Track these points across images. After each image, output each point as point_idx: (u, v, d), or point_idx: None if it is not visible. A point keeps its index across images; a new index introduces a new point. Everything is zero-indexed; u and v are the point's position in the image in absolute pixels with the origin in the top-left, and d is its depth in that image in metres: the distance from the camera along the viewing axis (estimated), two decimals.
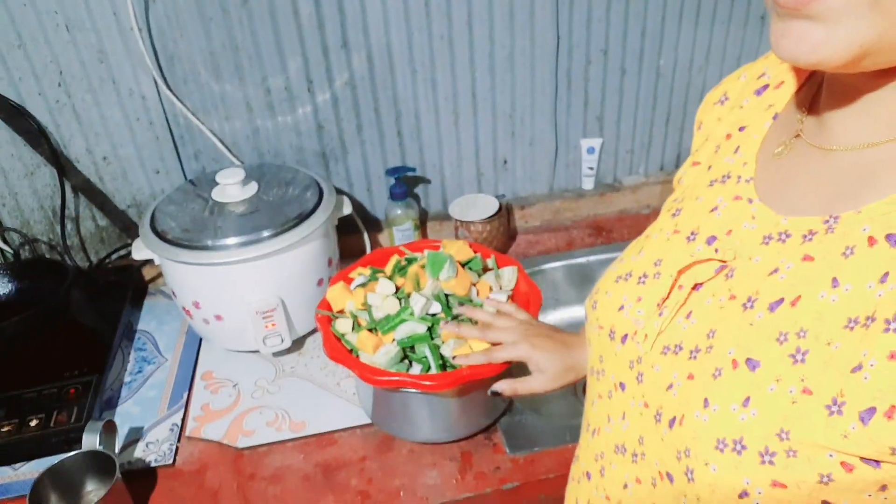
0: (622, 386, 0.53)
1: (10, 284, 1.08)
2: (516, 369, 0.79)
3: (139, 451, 0.91)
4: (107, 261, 1.21)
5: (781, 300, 0.42)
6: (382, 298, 0.86)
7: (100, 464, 0.81)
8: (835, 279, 0.40)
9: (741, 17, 1.22)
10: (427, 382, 0.77)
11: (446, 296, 0.86)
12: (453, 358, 0.78)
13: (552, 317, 1.22)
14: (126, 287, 1.17)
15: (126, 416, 0.97)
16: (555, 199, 1.32)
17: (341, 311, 0.89)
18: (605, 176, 1.35)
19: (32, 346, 0.99)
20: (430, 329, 0.82)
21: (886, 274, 0.37)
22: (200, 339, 1.10)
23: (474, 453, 0.88)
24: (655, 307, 0.50)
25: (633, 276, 0.54)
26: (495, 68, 1.18)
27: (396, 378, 0.77)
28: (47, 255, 1.19)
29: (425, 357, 0.80)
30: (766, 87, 0.54)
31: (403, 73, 1.16)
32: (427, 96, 1.19)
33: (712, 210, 0.51)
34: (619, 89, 1.26)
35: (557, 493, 0.73)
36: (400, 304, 0.85)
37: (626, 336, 0.52)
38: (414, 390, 0.79)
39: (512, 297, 0.89)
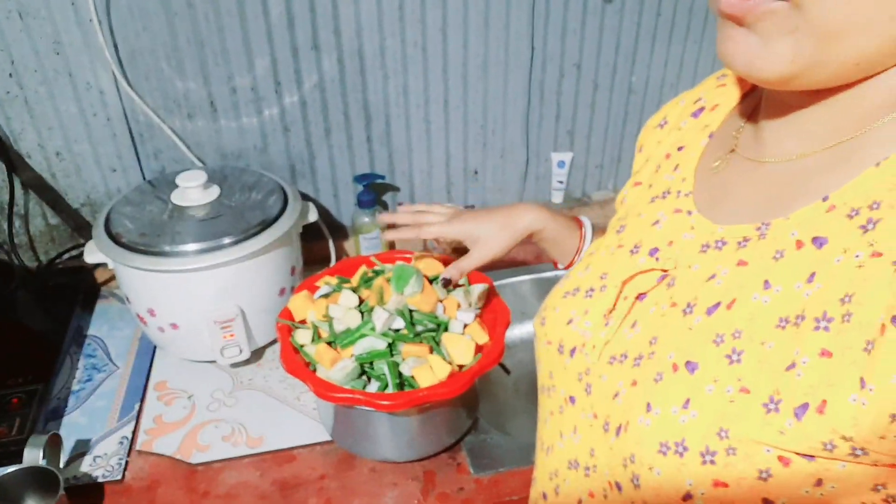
0: (572, 400, 0.53)
1: None
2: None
3: (86, 466, 0.86)
4: (57, 261, 1.16)
5: (718, 304, 0.43)
6: (344, 311, 0.83)
7: (42, 480, 0.77)
8: (766, 281, 0.41)
9: (713, 36, 1.23)
10: (383, 402, 0.75)
11: (411, 311, 0.84)
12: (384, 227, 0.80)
13: (517, 330, 1.21)
14: (77, 290, 1.12)
15: (73, 427, 0.92)
16: None
17: (303, 322, 0.86)
18: (575, 190, 1.35)
19: None
20: (390, 345, 0.80)
21: (813, 274, 0.39)
22: (155, 348, 1.05)
23: (437, 473, 0.86)
24: (602, 318, 0.51)
25: (581, 290, 0.55)
26: (468, 77, 1.17)
27: (351, 395, 0.75)
28: None
29: (384, 374, 0.78)
30: (702, 109, 0.57)
31: (375, 78, 1.13)
32: (398, 102, 1.16)
33: (654, 224, 0.53)
34: (591, 104, 1.25)
35: None
36: (362, 317, 0.83)
37: (574, 349, 0.53)
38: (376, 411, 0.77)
39: (480, 316, 0.88)
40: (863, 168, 0.40)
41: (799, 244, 0.41)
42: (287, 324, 0.86)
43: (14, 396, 0.89)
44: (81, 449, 0.89)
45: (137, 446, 0.90)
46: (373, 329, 0.81)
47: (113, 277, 1.18)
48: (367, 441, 0.85)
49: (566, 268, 0.80)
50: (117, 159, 1.12)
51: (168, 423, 0.93)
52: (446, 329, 0.84)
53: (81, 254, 0.97)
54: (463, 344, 0.82)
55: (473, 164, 1.26)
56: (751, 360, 0.40)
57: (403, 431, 0.84)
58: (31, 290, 1.10)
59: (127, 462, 0.88)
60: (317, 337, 0.84)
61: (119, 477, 0.85)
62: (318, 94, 1.13)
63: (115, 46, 1.02)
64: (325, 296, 0.88)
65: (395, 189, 1.26)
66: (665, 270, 0.49)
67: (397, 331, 0.82)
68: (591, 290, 0.54)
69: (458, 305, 0.88)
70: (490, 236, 0.79)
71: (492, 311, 0.89)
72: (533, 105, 1.22)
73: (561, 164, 1.29)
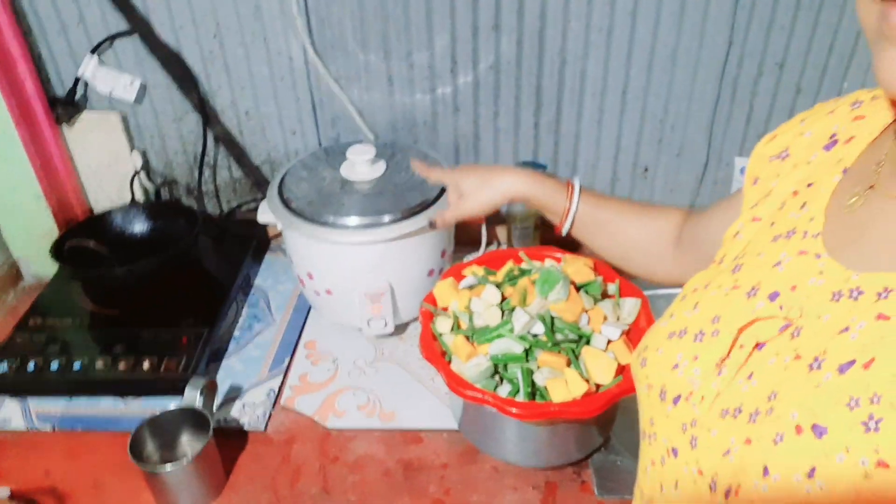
0: (674, 452, 0.49)
1: (145, 223, 1.14)
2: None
3: (235, 411, 0.94)
4: (236, 212, 1.25)
5: (853, 361, 0.39)
6: (486, 306, 0.82)
7: (196, 420, 0.84)
8: None
9: None
10: (512, 409, 0.73)
11: (552, 318, 0.81)
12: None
13: None
14: (250, 240, 1.20)
15: (229, 371, 1.00)
16: None
17: (445, 309, 0.87)
18: None
19: (158, 287, 1.04)
20: (527, 351, 0.78)
21: None
22: (310, 307, 1.11)
23: (560, 486, 0.84)
24: (714, 367, 0.47)
25: (689, 332, 0.51)
26: (654, 67, 1.09)
27: (481, 395, 0.74)
28: (184, 198, 1.25)
29: (516, 379, 0.76)
30: (835, 142, 0.52)
31: (552, 62, 1.09)
32: (573, 89, 1.11)
33: (775, 265, 0.49)
34: (790, 108, 1.12)
35: None
36: (502, 316, 0.81)
37: (678, 397, 0.49)
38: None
39: (627, 333, 0.83)
40: None
41: None
42: (430, 309, 0.87)
43: (184, 335, 0.98)
44: (233, 394, 0.96)
45: (282, 401, 0.96)
46: (511, 330, 0.79)
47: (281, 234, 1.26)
48: (492, 439, 0.85)
49: (557, 230, 0.81)
50: (298, 123, 1.18)
51: (312, 384, 0.98)
52: (588, 342, 0.81)
53: (257, 208, 1.04)
54: (604, 361, 0.77)
55: (645, 160, 1.19)
56: (891, 430, 0.35)
57: (530, 438, 0.82)
58: (211, 235, 1.20)
59: (271, 414, 0.94)
60: (456, 327, 0.84)
61: (262, 428, 0.92)
62: (493, 76, 1.11)
63: (308, 16, 1.07)
64: (470, 287, 0.87)
65: None
66: (789, 319, 0.44)
67: (536, 336, 0.80)
68: (702, 333, 0.50)
69: (605, 318, 0.83)
70: (472, 191, 0.84)
71: (641, 329, 0.83)
72: (722, 103, 1.12)
73: (744, 170, 1.17)
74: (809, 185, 0.52)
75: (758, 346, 0.46)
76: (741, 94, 1.11)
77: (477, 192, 0.83)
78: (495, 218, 1.23)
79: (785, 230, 0.51)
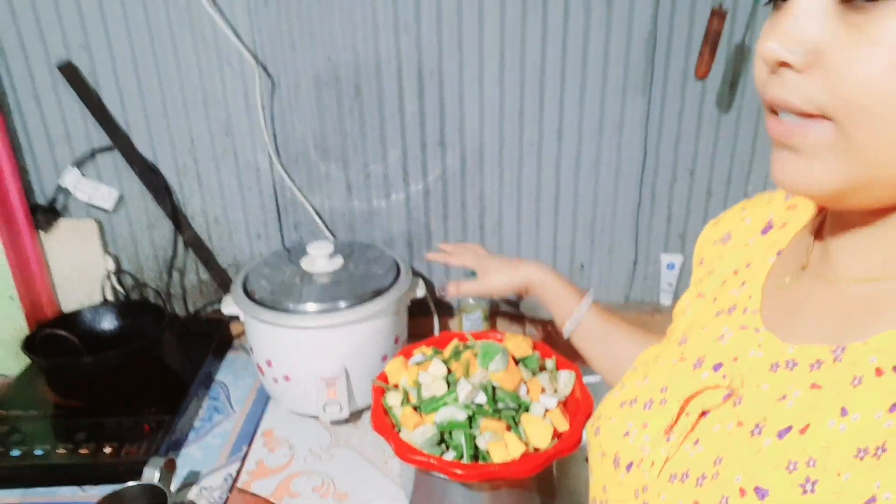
0: None
1: (115, 321, 1.20)
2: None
3: (192, 494, 0.96)
4: (201, 312, 1.32)
5: (790, 427, 0.42)
6: (432, 379, 0.89)
7: (155, 498, 0.87)
8: (843, 408, 0.40)
9: None
10: (456, 470, 0.78)
11: (494, 388, 0.88)
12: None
13: None
14: (213, 338, 1.26)
15: (188, 458, 1.03)
16: (630, 310, 1.33)
17: (396, 385, 0.93)
18: None
19: (122, 379, 1.08)
20: (470, 418, 0.84)
21: (895, 405, 0.38)
22: (268, 399, 1.16)
23: None
24: (662, 433, 0.50)
25: (639, 401, 0.54)
26: (580, 175, 1.23)
27: (426, 459, 0.80)
28: (152, 300, 1.31)
29: (460, 444, 0.82)
30: (770, 227, 0.58)
31: (492, 173, 1.23)
32: (512, 195, 1.25)
33: (719, 338, 0.52)
34: (704, 209, 1.27)
35: None
36: (448, 387, 0.88)
37: (630, 464, 0.52)
38: (448, 478, 0.81)
39: (564, 403, 0.90)
40: None
41: (879, 371, 0.40)
42: (381, 385, 0.93)
43: (146, 423, 1.02)
44: (192, 479, 0.99)
45: (239, 484, 0.99)
46: (456, 399, 0.86)
47: (243, 332, 1.32)
48: None
49: (561, 329, 0.87)
50: (263, 227, 1.28)
51: (268, 468, 1.02)
52: (527, 410, 0.87)
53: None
54: (541, 427, 0.84)
55: (580, 258, 1.31)
56: (826, 492, 0.38)
57: None
58: (177, 333, 1.25)
59: (228, 497, 0.96)
60: (406, 401, 0.90)
61: None
62: (441, 185, 1.24)
63: (274, 132, 1.20)
64: (419, 363, 0.95)
65: None
66: (731, 388, 0.48)
67: (479, 405, 0.87)
68: (651, 401, 0.53)
69: (543, 390, 0.91)
70: (493, 270, 0.94)
71: (575, 400, 0.91)
72: (644, 206, 1.26)
73: (671, 265, 1.30)
74: (748, 265, 0.56)
75: (703, 413, 0.48)
76: (659, 198, 1.26)
77: (499, 272, 0.93)
78: (447, 311, 1.32)
79: (727, 306, 0.55)
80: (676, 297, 1.34)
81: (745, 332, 0.51)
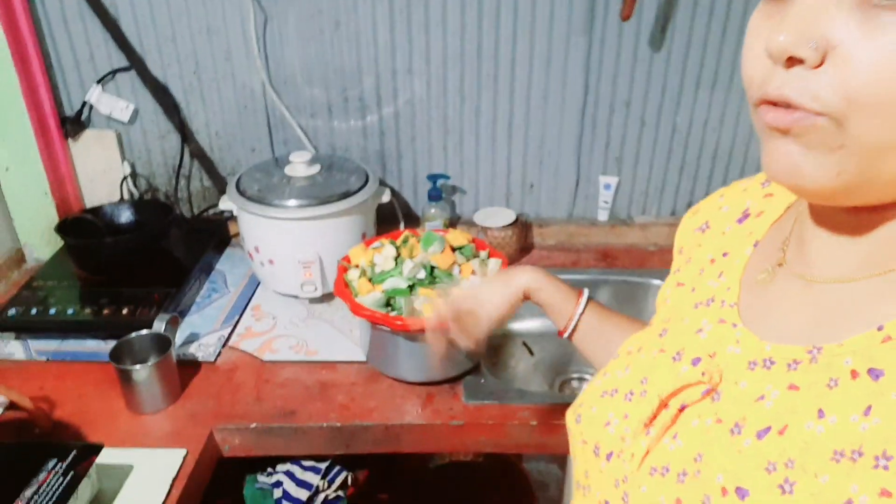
0: None
1: (131, 216, 1.43)
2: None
3: (192, 349, 1.20)
4: (204, 214, 1.54)
5: (769, 428, 0.42)
6: (384, 259, 1.11)
7: (161, 343, 1.10)
8: (820, 410, 0.41)
9: None
10: (396, 322, 1.01)
11: (432, 267, 1.10)
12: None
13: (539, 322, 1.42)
14: (213, 235, 1.49)
15: (190, 324, 1.26)
16: (570, 224, 1.53)
17: (356, 266, 1.15)
18: (620, 212, 1.55)
19: (137, 258, 1.31)
20: (410, 287, 1.06)
21: (870, 407, 0.38)
22: (259, 283, 1.39)
23: (437, 396, 1.11)
24: (642, 426, 0.50)
25: (620, 392, 0.54)
26: (531, 104, 1.43)
27: (372, 314, 1.02)
28: (162, 200, 1.54)
29: (401, 307, 1.04)
30: (747, 216, 0.58)
31: (454, 100, 1.43)
32: (471, 120, 1.45)
33: (697, 331, 0.53)
34: (637, 137, 1.46)
35: (494, 437, 1.01)
36: (395, 265, 1.10)
37: (611, 453, 0.52)
38: (391, 330, 1.03)
39: None
40: None
41: (854, 374, 0.40)
42: (344, 265, 1.15)
43: (156, 293, 1.25)
44: (192, 339, 1.23)
45: (230, 343, 1.22)
46: (400, 273, 1.08)
47: (238, 233, 1.55)
48: (388, 361, 1.12)
49: (560, 333, 0.81)
50: (257, 142, 1.49)
51: (255, 332, 1.25)
52: (458, 285, 1.09)
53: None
54: None
55: (531, 178, 1.51)
56: (804, 493, 0.39)
57: (414, 356, 1.09)
58: (182, 230, 1.48)
59: (220, 352, 1.20)
60: (362, 275, 1.12)
61: (212, 360, 1.18)
62: (409, 109, 1.44)
63: (267, 59, 1.40)
64: (375, 249, 1.16)
65: (463, 191, 1.53)
66: (711, 386, 0.48)
67: (420, 280, 1.09)
68: (631, 393, 0.53)
69: (473, 272, 1.12)
70: (491, 296, 0.81)
71: None
72: (585, 133, 1.46)
73: (607, 186, 1.50)
74: (725, 254, 0.56)
75: (682, 408, 0.49)
76: (599, 126, 1.45)
77: (496, 294, 0.81)
78: (414, 221, 1.54)
79: (705, 298, 0.55)
80: (612, 213, 1.54)
81: (723, 326, 0.51)
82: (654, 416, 0.50)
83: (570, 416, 0.59)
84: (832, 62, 0.37)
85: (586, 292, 0.81)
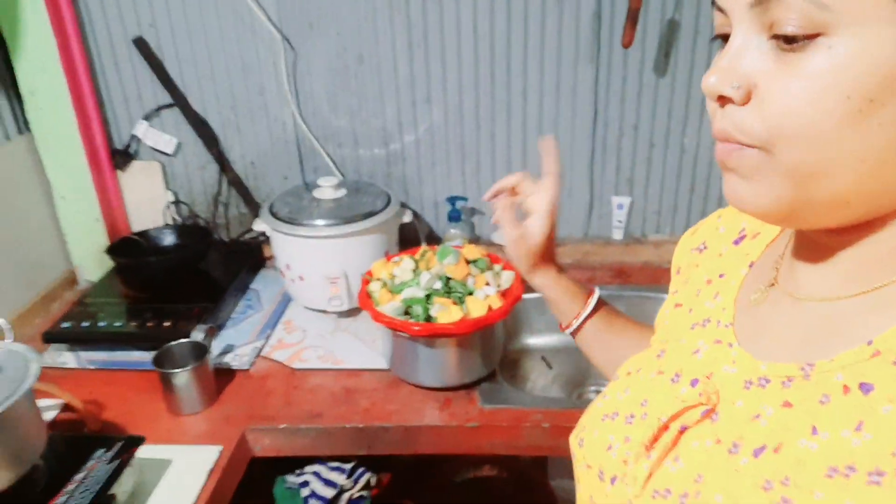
0: None
1: (174, 238, 1.54)
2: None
3: (228, 358, 1.29)
4: (240, 238, 1.65)
5: (764, 447, 0.43)
6: (402, 271, 1.20)
7: (199, 351, 1.19)
8: (814, 427, 0.41)
9: None
10: (413, 327, 1.09)
11: (447, 279, 1.17)
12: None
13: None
14: (248, 257, 1.59)
15: (225, 337, 1.36)
16: (586, 243, 1.60)
17: (378, 278, 1.24)
18: (634, 230, 1.61)
19: (178, 277, 1.42)
20: (428, 297, 1.14)
21: (861, 423, 0.39)
22: (290, 300, 1.48)
23: (454, 400, 1.17)
24: (643, 449, 0.50)
25: (621, 415, 0.55)
26: (543, 130, 1.51)
27: (391, 321, 1.10)
28: (202, 226, 1.65)
29: (419, 314, 1.12)
30: (743, 237, 0.59)
31: (470, 126, 1.52)
32: (487, 146, 1.54)
33: (694, 352, 0.54)
34: (647, 158, 1.53)
35: (508, 439, 1.08)
36: (413, 276, 1.18)
37: (615, 478, 0.52)
38: (410, 336, 1.11)
39: (503, 293, 1.18)
40: None
41: (846, 389, 0.41)
42: (367, 278, 1.24)
43: (195, 308, 1.35)
44: (227, 350, 1.32)
45: (262, 353, 1.31)
46: (418, 283, 1.16)
47: (272, 256, 1.65)
48: (408, 368, 1.19)
49: (562, 330, 0.84)
50: (288, 170, 1.60)
51: (286, 344, 1.34)
52: (471, 294, 1.17)
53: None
54: (480, 304, 1.13)
55: None
56: None
57: (433, 364, 1.16)
58: (220, 253, 1.59)
59: (254, 361, 1.29)
60: (383, 286, 1.21)
61: (246, 368, 1.27)
62: (429, 136, 1.54)
63: (297, 93, 1.51)
64: (395, 262, 1.25)
65: (482, 213, 1.61)
66: (709, 407, 0.49)
67: (436, 290, 1.17)
68: (632, 415, 0.53)
69: (487, 283, 1.20)
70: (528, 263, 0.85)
71: (514, 292, 1.19)
72: (596, 156, 1.53)
73: (620, 206, 1.57)
74: (721, 275, 0.57)
75: (683, 429, 0.49)
76: (609, 149, 1.52)
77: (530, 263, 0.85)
78: (436, 241, 1.62)
79: (701, 318, 0.56)
80: (626, 232, 1.60)
81: (719, 346, 0.52)
82: (656, 439, 0.50)
83: (573, 439, 0.60)
84: (756, 98, 0.41)
85: (597, 292, 0.83)
